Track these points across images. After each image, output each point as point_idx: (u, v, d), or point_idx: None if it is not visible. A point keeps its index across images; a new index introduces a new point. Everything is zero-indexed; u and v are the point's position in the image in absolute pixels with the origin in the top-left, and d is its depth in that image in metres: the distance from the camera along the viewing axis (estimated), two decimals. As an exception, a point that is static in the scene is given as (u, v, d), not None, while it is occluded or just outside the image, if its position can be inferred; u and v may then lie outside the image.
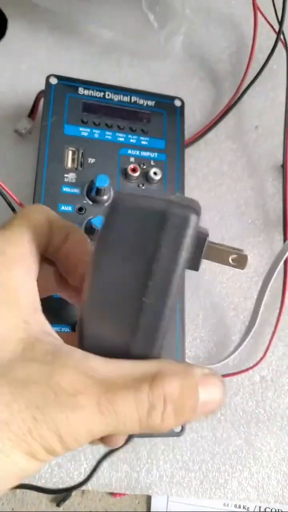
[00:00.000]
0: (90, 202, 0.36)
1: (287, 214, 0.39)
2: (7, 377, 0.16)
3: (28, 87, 0.45)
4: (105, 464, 0.38)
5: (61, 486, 0.39)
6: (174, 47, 0.46)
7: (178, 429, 0.33)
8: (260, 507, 0.37)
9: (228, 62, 0.46)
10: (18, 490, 0.41)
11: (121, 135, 0.38)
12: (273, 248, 0.41)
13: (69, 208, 0.36)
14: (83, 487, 0.39)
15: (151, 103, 0.40)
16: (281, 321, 0.38)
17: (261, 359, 0.37)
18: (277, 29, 0.43)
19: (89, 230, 0.35)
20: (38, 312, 0.18)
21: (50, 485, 0.39)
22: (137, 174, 0.37)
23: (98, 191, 0.35)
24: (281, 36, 0.43)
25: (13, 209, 0.37)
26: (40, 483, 0.39)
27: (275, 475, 0.37)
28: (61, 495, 0.40)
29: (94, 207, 0.36)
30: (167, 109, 0.40)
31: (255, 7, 0.43)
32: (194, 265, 0.19)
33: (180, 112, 0.40)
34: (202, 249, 0.18)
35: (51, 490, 0.37)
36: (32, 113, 0.43)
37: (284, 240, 0.39)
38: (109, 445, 0.21)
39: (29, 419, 0.15)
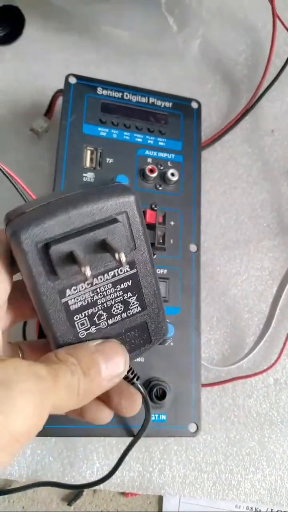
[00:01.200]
0: None
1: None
2: None
3: (44, 87, 0.45)
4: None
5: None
6: (191, 50, 0.46)
7: (193, 429, 0.33)
8: (272, 509, 0.37)
9: (244, 65, 0.47)
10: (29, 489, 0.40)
11: (139, 135, 0.39)
12: (288, 252, 0.41)
13: None
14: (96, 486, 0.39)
15: (168, 104, 0.40)
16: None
17: (276, 361, 0.37)
18: (294, 34, 0.44)
19: None
20: None
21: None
22: (154, 174, 0.37)
23: None
24: (299, 41, 0.44)
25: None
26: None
27: (288, 478, 0.37)
28: (72, 494, 0.40)
29: None
30: (184, 111, 0.40)
31: (274, 13, 0.43)
32: (52, 273, 0.20)
33: (197, 114, 0.41)
34: (49, 257, 0.19)
35: (70, 486, 0.37)
36: (48, 112, 0.43)
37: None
38: (96, 420, 0.24)
39: None
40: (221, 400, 0.38)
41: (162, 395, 0.33)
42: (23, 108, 0.46)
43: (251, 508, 0.37)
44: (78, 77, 0.38)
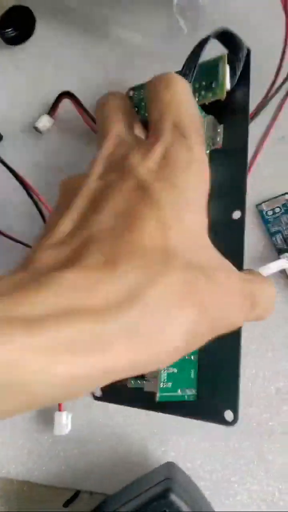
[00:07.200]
0: None
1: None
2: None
3: (51, 87, 0.45)
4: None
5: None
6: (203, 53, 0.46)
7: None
8: (269, 520, 0.37)
9: (255, 70, 0.46)
10: (25, 487, 0.41)
11: None
12: None
13: None
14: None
15: None
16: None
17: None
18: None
19: None
20: None
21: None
22: None
23: None
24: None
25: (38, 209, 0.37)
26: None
27: (286, 490, 0.36)
28: (69, 495, 0.40)
29: None
30: None
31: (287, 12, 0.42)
32: None
33: None
34: None
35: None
36: (52, 111, 0.43)
37: None
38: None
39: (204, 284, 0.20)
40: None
41: None
42: (29, 107, 0.47)
43: (248, 518, 0.37)
44: None
